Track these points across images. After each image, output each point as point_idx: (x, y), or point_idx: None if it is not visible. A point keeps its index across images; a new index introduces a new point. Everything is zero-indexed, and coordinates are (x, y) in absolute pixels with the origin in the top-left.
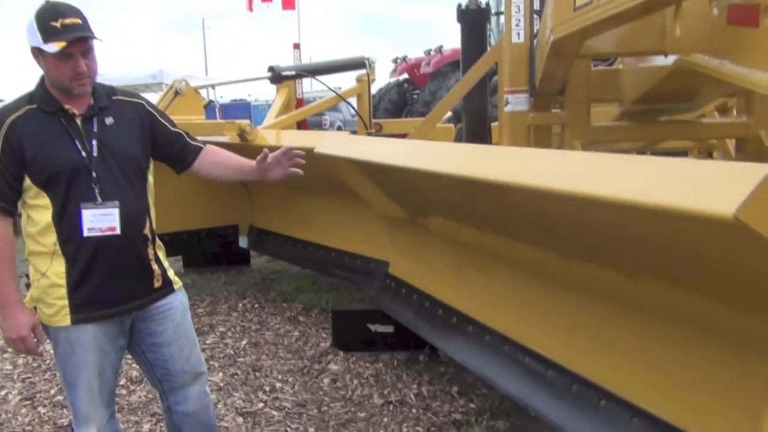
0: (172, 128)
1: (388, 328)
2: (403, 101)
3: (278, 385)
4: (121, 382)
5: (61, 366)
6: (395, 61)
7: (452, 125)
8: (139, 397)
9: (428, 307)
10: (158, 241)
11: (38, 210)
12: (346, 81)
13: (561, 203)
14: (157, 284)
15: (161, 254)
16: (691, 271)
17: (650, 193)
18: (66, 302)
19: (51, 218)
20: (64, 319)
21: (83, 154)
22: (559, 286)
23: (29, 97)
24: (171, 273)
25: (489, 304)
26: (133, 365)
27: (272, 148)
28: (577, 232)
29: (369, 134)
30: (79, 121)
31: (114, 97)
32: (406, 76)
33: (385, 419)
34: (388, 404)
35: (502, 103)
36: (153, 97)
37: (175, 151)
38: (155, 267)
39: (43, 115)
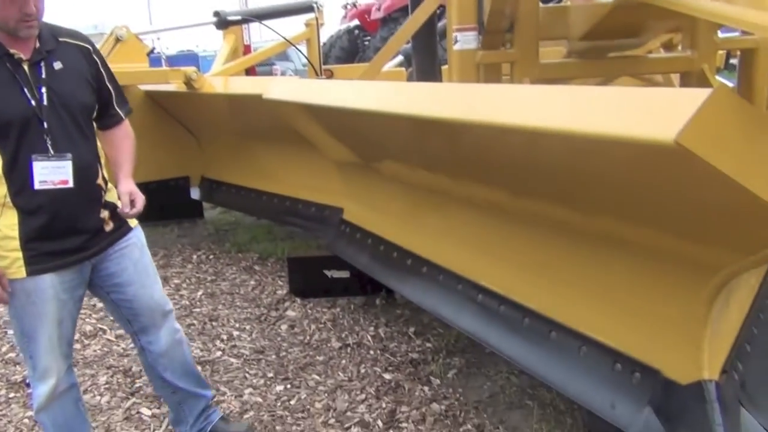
0: (107, 82)
1: (344, 274)
2: (354, 48)
3: (236, 333)
4: (75, 337)
5: (18, 319)
6: (345, 7)
7: (403, 69)
8: (94, 351)
9: (383, 250)
10: (110, 185)
11: None
12: (295, 28)
13: (504, 136)
14: (107, 228)
15: (112, 197)
16: (637, 201)
17: (593, 123)
18: (20, 254)
19: (1, 170)
20: (19, 270)
21: (33, 103)
22: (509, 223)
23: None
24: None
25: (442, 245)
26: (87, 320)
27: (220, 96)
28: (524, 166)
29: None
30: (26, 67)
31: (60, 39)
32: (356, 22)
33: (343, 361)
34: (345, 347)
35: (450, 42)
36: None
37: (100, 107)
38: (104, 213)
39: None
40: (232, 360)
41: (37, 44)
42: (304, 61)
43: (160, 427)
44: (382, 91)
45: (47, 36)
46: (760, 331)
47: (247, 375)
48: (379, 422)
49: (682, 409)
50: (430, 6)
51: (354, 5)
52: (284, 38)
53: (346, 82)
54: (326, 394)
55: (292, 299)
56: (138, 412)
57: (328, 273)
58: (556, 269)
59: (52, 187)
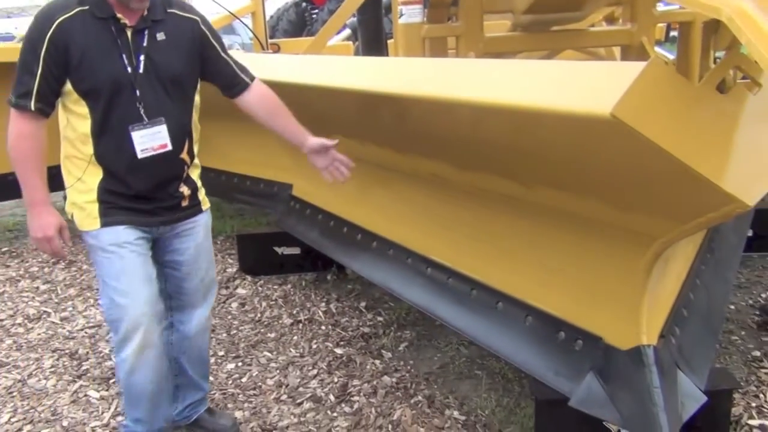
0: (222, 53)
1: (295, 250)
2: (302, 21)
3: None
4: (18, 320)
5: (103, 276)
6: None
7: (351, 43)
8: (39, 334)
9: (333, 226)
10: (196, 161)
11: (77, 117)
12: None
13: (448, 111)
14: (184, 204)
15: (195, 174)
16: (577, 174)
17: (533, 97)
18: (96, 206)
19: (89, 130)
20: (94, 222)
21: (129, 69)
22: (457, 197)
23: None
24: (202, 194)
25: (391, 219)
26: (30, 303)
27: None
28: (469, 140)
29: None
30: (129, 33)
31: (169, 10)
32: None
33: (295, 337)
34: (297, 323)
35: (396, 16)
36: None
37: (221, 78)
38: (184, 188)
39: (93, 20)
40: None
41: (145, 12)
42: (251, 34)
43: (109, 409)
44: (328, 66)
45: (157, 6)
46: (696, 296)
47: None
48: (331, 396)
49: (622, 373)
50: None
51: None
52: (228, 11)
53: (291, 57)
54: (278, 371)
55: (242, 277)
56: (86, 395)
57: (279, 250)
58: (501, 241)
59: (152, 153)
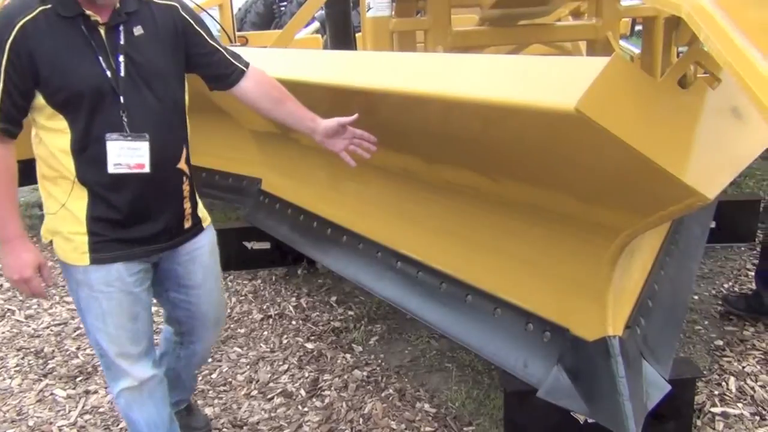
0: (209, 40)
1: (265, 245)
2: (271, 14)
3: (154, 308)
4: None
5: (84, 313)
6: None
7: (320, 36)
8: (3, 332)
9: (303, 220)
10: (192, 172)
11: (53, 134)
12: None
13: (416, 105)
14: (187, 225)
15: (193, 189)
16: (544, 167)
17: (499, 91)
18: (85, 239)
19: (69, 146)
20: (83, 257)
21: (108, 73)
22: (426, 191)
23: None
24: (201, 209)
25: (361, 213)
26: None
27: None
28: (437, 134)
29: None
30: (102, 31)
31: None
32: None
33: (265, 333)
34: (267, 318)
35: (364, 9)
36: None
37: (212, 69)
38: (187, 206)
39: (59, 21)
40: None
41: (117, 5)
42: (218, 27)
43: (76, 408)
44: (296, 60)
45: None
46: (661, 287)
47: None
48: (302, 391)
49: (589, 364)
50: None
51: None
52: (195, 3)
53: (259, 50)
54: (248, 366)
55: None
56: (52, 394)
57: (248, 244)
58: (470, 235)
59: (127, 171)
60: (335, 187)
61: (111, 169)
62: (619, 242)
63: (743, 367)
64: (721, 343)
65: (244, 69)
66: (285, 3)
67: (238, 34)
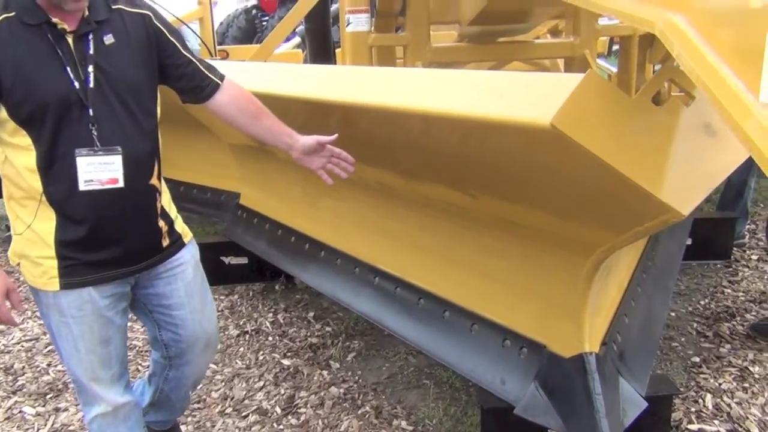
0: (183, 51)
1: (242, 260)
2: (252, 29)
3: (128, 324)
4: None
5: (55, 338)
6: None
7: (300, 51)
8: None
9: (281, 235)
10: (165, 187)
11: (18, 151)
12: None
13: (393, 120)
14: (164, 243)
15: (168, 204)
16: (520, 183)
17: (476, 107)
18: (54, 263)
19: (35, 163)
20: (52, 282)
21: (76, 84)
22: (404, 207)
23: (4, 3)
24: (179, 223)
25: (340, 229)
26: None
27: None
28: (414, 149)
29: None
30: (70, 40)
31: (114, 7)
32: (254, 1)
33: (241, 349)
34: (244, 334)
35: (343, 24)
36: None
37: (185, 81)
38: (162, 223)
39: (23, 29)
40: None
41: (86, 13)
42: (199, 41)
43: (45, 426)
44: (275, 73)
45: (99, 3)
46: (637, 303)
47: (140, 367)
48: (278, 409)
49: (565, 380)
50: None
51: None
52: (175, 16)
53: (238, 63)
54: (223, 383)
55: None
56: (20, 411)
57: (226, 259)
58: (448, 251)
59: (99, 187)
60: (314, 202)
61: (82, 186)
62: (595, 259)
63: (720, 384)
64: (697, 360)
65: (219, 82)
66: (267, 18)
67: (218, 48)
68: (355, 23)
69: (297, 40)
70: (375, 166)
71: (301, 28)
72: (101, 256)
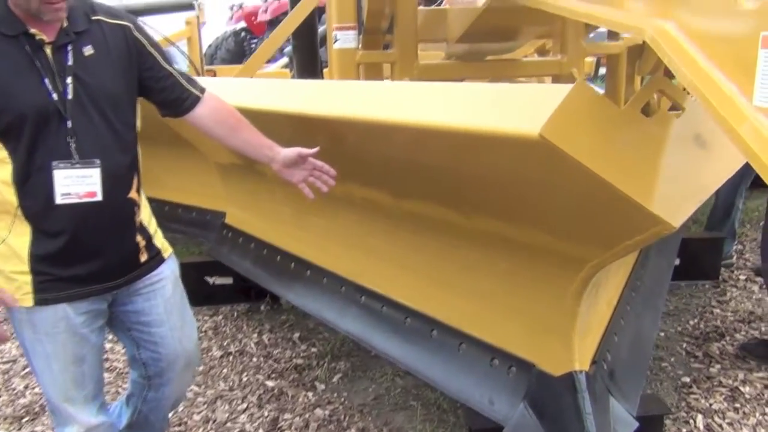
0: (164, 64)
1: (227, 280)
2: (241, 50)
3: (108, 345)
4: None
5: (29, 355)
6: (231, 8)
7: (288, 71)
8: None
9: (266, 254)
10: (144, 202)
11: None
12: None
13: (380, 133)
14: (143, 258)
15: (147, 219)
16: (509, 198)
17: (465, 119)
18: (28, 278)
19: (10, 177)
20: (26, 298)
21: (54, 96)
22: (390, 224)
23: None
24: (159, 238)
25: (326, 247)
26: None
27: None
28: (401, 164)
29: None
30: (48, 51)
31: (94, 18)
32: (243, 24)
33: (225, 370)
34: (227, 355)
35: (331, 41)
36: None
37: (165, 94)
38: (140, 238)
39: (0, 40)
40: (105, 374)
41: (65, 24)
42: (187, 60)
43: None
44: (261, 89)
45: (78, 14)
46: (627, 322)
47: (120, 389)
48: (261, 431)
49: (555, 400)
50: (309, 4)
51: (240, 7)
52: (163, 36)
53: (223, 79)
54: (205, 406)
55: None
56: None
57: (210, 279)
58: (435, 269)
59: (77, 201)
60: (299, 222)
61: (59, 199)
62: (585, 275)
63: (710, 404)
64: (687, 380)
65: (200, 95)
66: (256, 40)
67: (206, 67)
68: (343, 40)
69: (285, 60)
70: (361, 183)
71: (289, 48)
72: (77, 272)
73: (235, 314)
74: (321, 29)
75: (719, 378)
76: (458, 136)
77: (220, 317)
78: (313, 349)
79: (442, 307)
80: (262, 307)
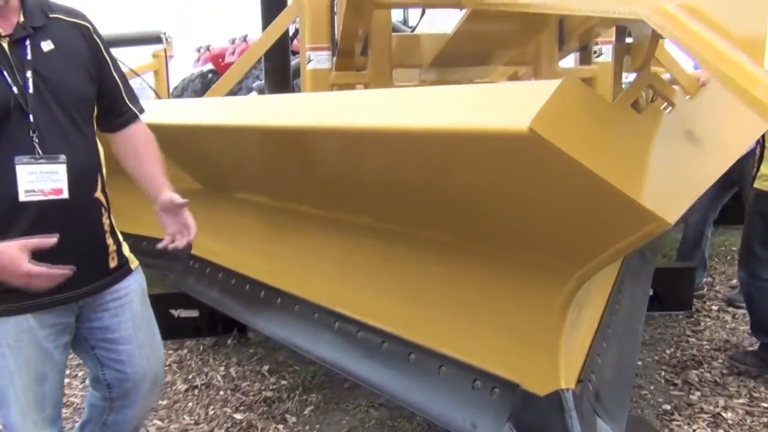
0: (114, 72)
1: (193, 313)
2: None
3: (66, 380)
4: None
5: None
6: (198, 50)
7: None
8: None
9: (235, 284)
10: (109, 205)
11: None
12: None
13: (359, 142)
14: (112, 264)
15: (114, 224)
16: (495, 201)
17: (449, 119)
18: None
19: None
20: None
21: (14, 89)
22: (363, 247)
23: None
24: (126, 248)
25: (296, 274)
26: None
27: None
28: (378, 176)
29: None
30: (5, 45)
31: (51, 15)
32: (210, 66)
33: (190, 404)
34: (192, 389)
35: (304, 61)
36: None
37: (108, 102)
38: (110, 242)
39: None
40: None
41: (21, 18)
42: (154, 94)
43: None
44: (218, 106)
45: (34, 9)
46: (609, 345)
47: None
48: None
49: (541, 420)
50: (284, 21)
51: (207, 48)
52: (130, 68)
53: (179, 101)
54: None
55: None
56: None
57: (175, 312)
58: (411, 290)
59: (41, 198)
60: (269, 249)
61: (22, 196)
62: (571, 286)
63: (694, 430)
64: (668, 407)
65: (137, 114)
66: None
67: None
68: (316, 60)
69: (254, 95)
70: (333, 207)
71: (259, 83)
72: None
73: (201, 348)
74: (294, 62)
75: (700, 405)
76: (443, 138)
77: (185, 351)
78: (283, 382)
79: (421, 328)
80: (229, 341)
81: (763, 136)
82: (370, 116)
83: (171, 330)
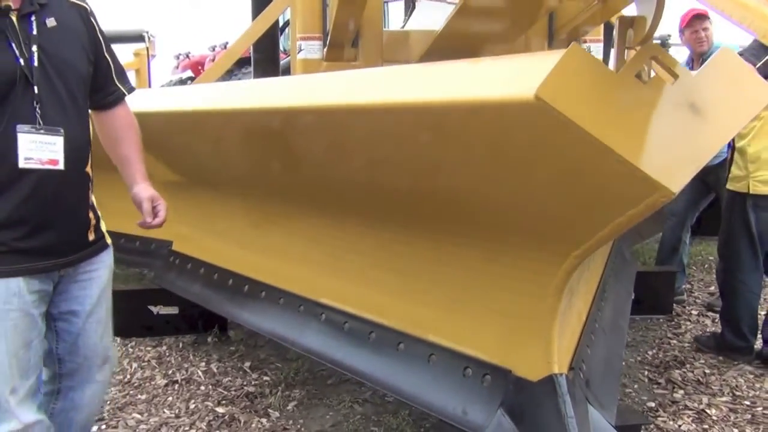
0: (105, 51)
1: (173, 310)
2: None
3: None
4: None
5: None
6: (177, 57)
7: None
8: None
9: (217, 278)
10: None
11: None
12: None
13: (354, 120)
14: (91, 237)
15: (95, 200)
16: (496, 173)
17: (454, 92)
18: None
19: None
20: None
21: (21, 61)
22: (349, 236)
23: None
24: (103, 225)
25: (280, 266)
26: None
27: None
28: (370, 156)
29: None
30: (14, 18)
31: None
32: (189, 73)
33: (170, 398)
34: (172, 383)
35: (295, 51)
36: None
37: (98, 80)
38: (91, 216)
39: None
40: None
41: None
42: None
43: None
44: (195, 93)
45: None
46: (597, 337)
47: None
48: None
49: (534, 405)
50: (275, 11)
51: (187, 56)
52: None
53: (154, 90)
54: None
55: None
56: None
57: (154, 309)
58: (399, 278)
59: (39, 166)
60: (252, 241)
61: (21, 163)
62: (567, 266)
63: (679, 426)
64: (653, 404)
65: (124, 94)
66: None
67: None
68: (307, 50)
69: None
70: (317, 202)
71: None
72: (32, 244)
73: (181, 345)
74: (283, 61)
75: (684, 402)
76: (451, 109)
77: (164, 348)
78: (266, 378)
79: (409, 316)
80: (210, 339)
81: (733, 140)
82: (371, 92)
83: (149, 327)
